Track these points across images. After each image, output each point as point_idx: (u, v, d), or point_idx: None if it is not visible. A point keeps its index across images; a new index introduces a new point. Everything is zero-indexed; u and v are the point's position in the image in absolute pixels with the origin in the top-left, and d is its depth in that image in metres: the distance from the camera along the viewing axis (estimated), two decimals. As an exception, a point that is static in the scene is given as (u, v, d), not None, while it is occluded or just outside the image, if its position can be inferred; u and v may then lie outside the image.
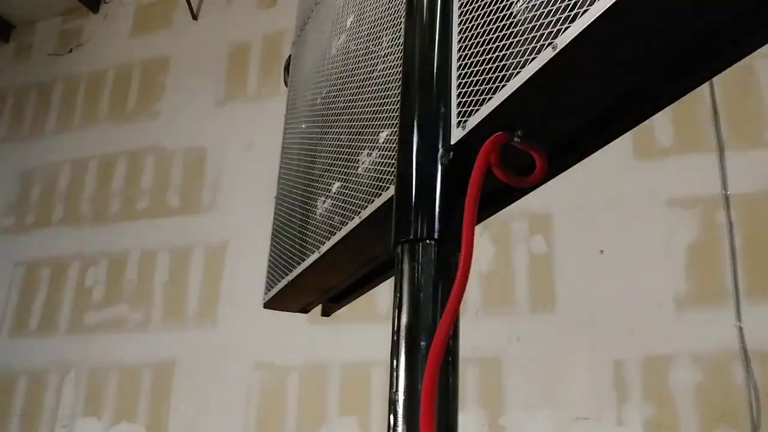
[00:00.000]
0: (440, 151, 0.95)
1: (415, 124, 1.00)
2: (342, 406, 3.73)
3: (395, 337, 0.85)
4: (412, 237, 0.90)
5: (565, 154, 0.98)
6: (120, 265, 4.61)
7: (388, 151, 1.20)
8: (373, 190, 1.21)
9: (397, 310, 0.87)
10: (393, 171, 1.13)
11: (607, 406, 3.23)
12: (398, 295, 0.88)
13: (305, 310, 1.74)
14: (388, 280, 1.28)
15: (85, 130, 5.17)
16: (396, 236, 0.92)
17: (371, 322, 3.63)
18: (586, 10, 0.78)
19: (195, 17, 5.01)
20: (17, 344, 4.69)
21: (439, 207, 0.91)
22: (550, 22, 0.84)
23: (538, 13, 0.87)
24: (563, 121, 0.93)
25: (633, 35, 0.80)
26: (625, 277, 3.41)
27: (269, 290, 1.70)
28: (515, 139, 0.89)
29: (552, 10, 0.85)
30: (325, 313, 1.71)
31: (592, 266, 3.51)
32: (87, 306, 4.59)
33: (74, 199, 4.97)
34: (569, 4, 0.81)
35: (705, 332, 3.20)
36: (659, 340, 3.26)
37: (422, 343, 0.83)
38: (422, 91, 1.02)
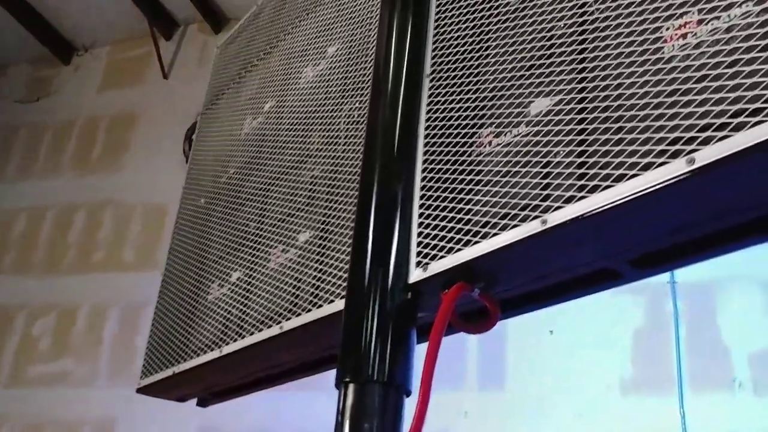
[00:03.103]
0: (393, 287, 0.93)
1: (369, 254, 0.97)
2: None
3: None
4: (361, 379, 0.87)
5: (519, 306, 0.99)
6: (69, 318, 4.50)
7: (311, 254, 1.16)
8: (291, 298, 1.17)
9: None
10: (319, 280, 1.11)
11: (551, 488, 3.23)
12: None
13: (182, 399, 1.65)
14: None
15: (45, 180, 5.10)
16: (341, 374, 0.89)
17: (319, 390, 3.59)
18: (584, 197, 0.80)
19: (166, 76, 5.04)
20: (-48, 394, 4.50)
21: (390, 347, 0.89)
22: (539, 194, 0.85)
23: (522, 177, 0.88)
24: (529, 283, 0.95)
25: (630, 227, 0.82)
26: (574, 359, 3.44)
27: (147, 376, 1.59)
28: (475, 290, 0.90)
29: (540, 183, 0.85)
30: (202, 404, 1.63)
31: (541, 346, 3.54)
32: (31, 358, 4.46)
33: (28, 247, 4.87)
34: (567, 185, 0.82)
35: (649, 418, 3.23)
36: (605, 423, 3.28)
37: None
38: (379, 218, 1.00)
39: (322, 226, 1.19)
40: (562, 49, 0.94)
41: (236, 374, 1.43)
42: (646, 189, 0.74)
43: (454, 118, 1.05)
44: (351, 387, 0.87)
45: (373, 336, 0.89)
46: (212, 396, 1.60)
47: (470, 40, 1.09)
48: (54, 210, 4.94)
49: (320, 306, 1.08)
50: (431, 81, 1.13)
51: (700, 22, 0.78)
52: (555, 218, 0.81)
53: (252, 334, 1.22)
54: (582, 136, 0.85)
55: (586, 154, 0.83)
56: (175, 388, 1.57)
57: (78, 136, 5.17)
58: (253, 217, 1.45)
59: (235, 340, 1.27)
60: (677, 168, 0.72)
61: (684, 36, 0.78)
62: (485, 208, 0.91)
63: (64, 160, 5.13)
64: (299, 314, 1.13)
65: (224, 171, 1.70)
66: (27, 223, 4.97)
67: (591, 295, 0.97)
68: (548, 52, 0.95)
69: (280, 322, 1.17)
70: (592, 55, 0.89)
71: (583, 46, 0.91)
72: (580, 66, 0.90)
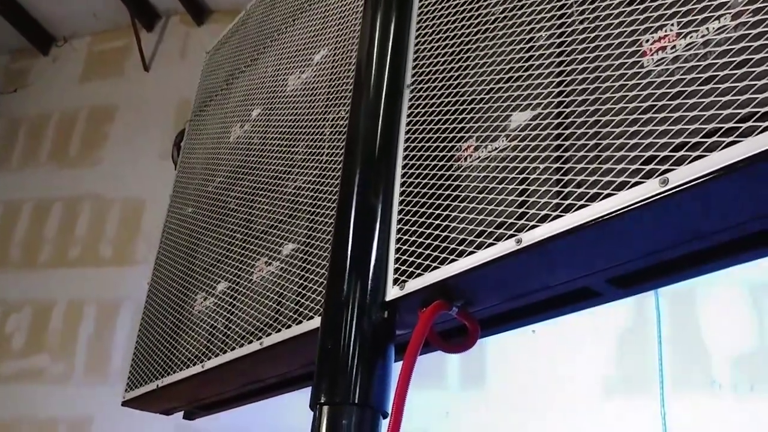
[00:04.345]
0: (369, 305, 0.91)
1: (346, 271, 0.94)
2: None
3: None
4: (336, 400, 0.85)
5: (499, 324, 0.98)
6: (45, 314, 4.44)
7: (294, 267, 1.15)
8: (272, 314, 1.15)
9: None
10: (300, 296, 1.09)
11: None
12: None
13: (168, 413, 1.63)
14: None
15: (22, 172, 5.02)
16: (315, 396, 0.87)
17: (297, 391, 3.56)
18: (559, 216, 0.79)
19: (147, 69, 4.97)
20: None
21: (367, 368, 0.87)
22: (515, 212, 0.83)
23: (499, 194, 0.86)
24: (509, 301, 0.93)
25: (599, 248, 0.81)
26: (556, 358, 3.44)
27: (132, 389, 1.56)
28: (453, 308, 0.88)
29: (516, 200, 0.84)
30: (188, 417, 1.62)
31: (523, 345, 3.53)
32: (4, 354, 4.39)
33: (3, 242, 4.79)
34: (542, 203, 0.81)
35: (630, 418, 3.24)
36: (586, 423, 3.28)
37: None
38: (357, 234, 0.97)
39: (305, 239, 1.17)
40: (542, 61, 0.91)
41: (220, 388, 1.40)
42: (619, 209, 0.73)
43: (433, 131, 1.03)
44: (325, 409, 0.85)
45: (349, 356, 0.87)
46: (198, 409, 1.58)
47: (451, 50, 1.07)
48: (30, 203, 4.87)
49: (300, 322, 1.06)
50: (411, 92, 1.11)
51: (678, 35, 0.76)
52: (530, 237, 0.80)
53: (233, 349, 1.20)
54: (559, 152, 0.83)
55: (562, 171, 0.82)
56: (159, 402, 1.55)
57: (56, 128, 5.09)
58: (238, 228, 1.42)
59: (218, 355, 1.25)
60: (651, 188, 0.71)
61: (663, 49, 0.77)
62: (462, 225, 0.89)
63: (41, 152, 5.05)
64: (280, 330, 1.11)
65: (211, 179, 1.67)
66: (2, 217, 4.89)
67: (573, 313, 0.95)
68: (528, 64, 0.93)
69: (260, 338, 1.14)
70: (570, 68, 0.87)
71: (561, 58, 0.89)
72: (559, 79, 0.88)
